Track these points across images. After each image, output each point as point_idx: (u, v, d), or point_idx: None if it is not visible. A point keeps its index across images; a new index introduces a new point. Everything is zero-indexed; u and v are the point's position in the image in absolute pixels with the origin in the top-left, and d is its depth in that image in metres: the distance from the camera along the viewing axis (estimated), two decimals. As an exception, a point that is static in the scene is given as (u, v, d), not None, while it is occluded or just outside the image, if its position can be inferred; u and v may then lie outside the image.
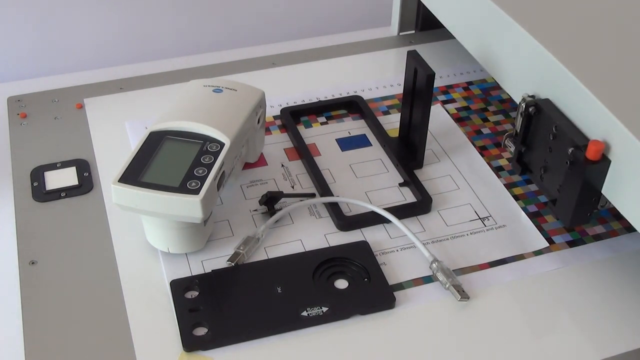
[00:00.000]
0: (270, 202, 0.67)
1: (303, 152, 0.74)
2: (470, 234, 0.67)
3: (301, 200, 0.68)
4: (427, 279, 0.62)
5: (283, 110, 0.80)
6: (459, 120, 0.81)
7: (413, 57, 0.69)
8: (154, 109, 0.77)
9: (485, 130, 0.79)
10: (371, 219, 0.67)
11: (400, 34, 0.95)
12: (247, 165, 0.73)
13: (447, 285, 0.60)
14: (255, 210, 0.68)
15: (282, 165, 0.74)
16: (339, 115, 0.81)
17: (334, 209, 0.67)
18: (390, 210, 0.67)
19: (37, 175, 0.71)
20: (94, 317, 0.58)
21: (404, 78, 0.71)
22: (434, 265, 0.61)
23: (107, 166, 0.73)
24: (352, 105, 0.81)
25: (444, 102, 0.83)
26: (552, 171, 0.63)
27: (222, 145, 0.62)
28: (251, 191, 0.70)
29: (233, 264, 0.61)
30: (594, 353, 0.57)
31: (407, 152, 0.74)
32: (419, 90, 0.69)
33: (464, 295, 0.59)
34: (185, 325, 0.57)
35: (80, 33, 0.99)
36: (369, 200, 0.69)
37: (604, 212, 0.68)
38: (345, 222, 0.66)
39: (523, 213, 0.69)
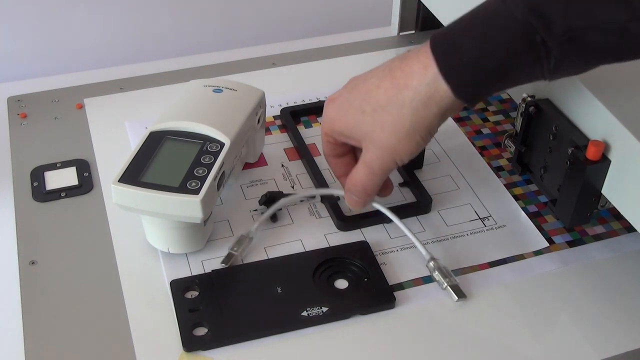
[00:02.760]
0: (270, 202, 0.67)
1: (303, 152, 0.74)
2: (470, 234, 0.67)
3: (301, 201, 0.69)
4: (427, 279, 0.62)
5: (283, 110, 0.80)
6: (459, 120, 0.81)
7: (413, 57, 0.69)
8: (154, 109, 0.76)
9: (485, 130, 0.79)
10: (371, 219, 0.67)
11: (400, 34, 0.95)
12: (247, 165, 0.73)
13: (444, 286, 0.60)
14: (255, 210, 0.68)
15: (282, 165, 0.74)
16: (339, 115, 0.81)
17: (334, 209, 0.67)
18: (389, 210, 0.67)
19: (37, 175, 0.71)
20: (94, 317, 0.58)
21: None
22: (430, 264, 0.61)
23: (107, 166, 0.73)
24: (352, 105, 0.81)
25: (444, 102, 0.83)
26: (552, 171, 0.63)
27: (222, 145, 0.62)
28: (251, 191, 0.70)
29: (227, 265, 0.61)
30: (594, 353, 0.57)
31: (407, 152, 0.74)
32: (419, 90, 0.69)
33: (461, 295, 0.59)
34: (185, 325, 0.57)
35: (80, 33, 0.99)
36: (369, 200, 0.69)
37: (604, 212, 0.68)
38: (345, 222, 0.66)
39: (523, 213, 0.69)
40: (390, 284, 0.61)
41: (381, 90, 0.55)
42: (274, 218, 0.67)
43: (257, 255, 0.64)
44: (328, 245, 0.65)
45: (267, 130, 0.78)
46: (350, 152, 0.64)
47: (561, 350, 0.57)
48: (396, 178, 0.72)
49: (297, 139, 0.76)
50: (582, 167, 0.57)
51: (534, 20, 0.48)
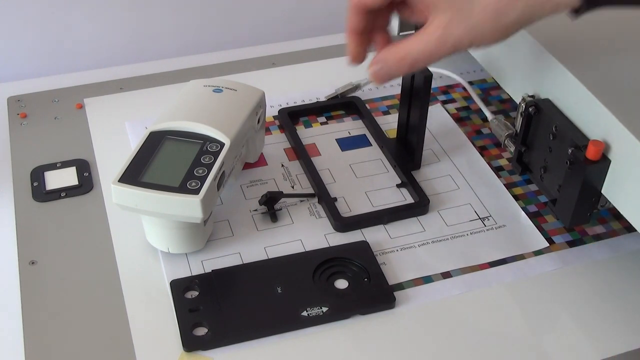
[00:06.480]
0: (270, 202, 0.67)
1: (300, 153, 0.74)
2: (470, 234, 0.67)
3: (301, 201, 0.69)
4: (427, 279, 0.62)
5: (281, 111, 0.79)
6: (459, 120, 0.81)
7: (413, 57, 0.69)
8: (154, 109, 0.76)
9: (485, 130, 0.79)
10: (368, 220, 0.67)
11: (400, 34, 0.95)
12: (247, 165, 0.73)
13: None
14: (255, 210, 0.68)
15: (282, 165, 0.74)
16: (339, 115, 0.81)
17: (332, 210, 0.67)
18: (387, 211, 0.67)
19: (37, 175, 0.71)
20: (94, 317, 0.58)
21: (402, 78, 0.71)
22: None
23: (107, 166, 0.73)
24: (351, 106, 0.81)
25: (443, 102, 0.83)
26: (552, 171, 0.63)
27: (222, 145, 0.62)
28: (251, 191, 0.70)
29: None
30: (594, 353, 0.57)
31: (405, 153, 0.74)
32: (416, 91, 0.69)
33: None
34: (185, 325, 0.57)
35: (80, 33, 0.99)
36: (368, 200, 0.69)
37: (604, 212, 0.68)
38: (342, 223, 0.66)
39: (523, 213, 0.69)
40: (390, 284, 0.61)
41: None
42: (274, 218, 0.67)
43: (257, 255, 0.64)
44: (328, 245, 0.65)
45: (267, 130, 0.78)
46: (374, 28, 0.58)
47: (561, 350, 0.57)
48: (396, 178, 0.72)
49: (294, 139, 0.76)
50: (582, 167, 0.57)
51: None
